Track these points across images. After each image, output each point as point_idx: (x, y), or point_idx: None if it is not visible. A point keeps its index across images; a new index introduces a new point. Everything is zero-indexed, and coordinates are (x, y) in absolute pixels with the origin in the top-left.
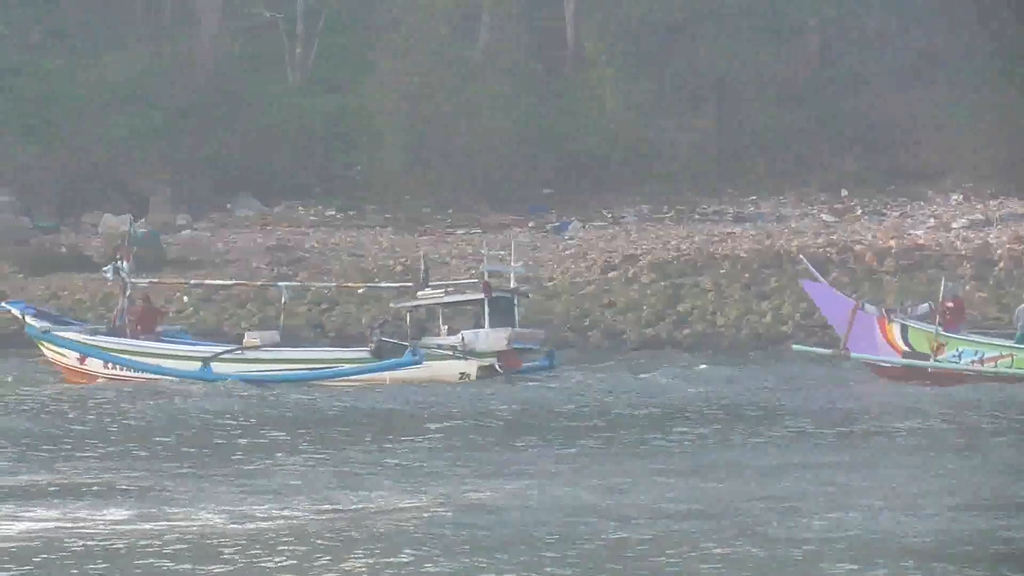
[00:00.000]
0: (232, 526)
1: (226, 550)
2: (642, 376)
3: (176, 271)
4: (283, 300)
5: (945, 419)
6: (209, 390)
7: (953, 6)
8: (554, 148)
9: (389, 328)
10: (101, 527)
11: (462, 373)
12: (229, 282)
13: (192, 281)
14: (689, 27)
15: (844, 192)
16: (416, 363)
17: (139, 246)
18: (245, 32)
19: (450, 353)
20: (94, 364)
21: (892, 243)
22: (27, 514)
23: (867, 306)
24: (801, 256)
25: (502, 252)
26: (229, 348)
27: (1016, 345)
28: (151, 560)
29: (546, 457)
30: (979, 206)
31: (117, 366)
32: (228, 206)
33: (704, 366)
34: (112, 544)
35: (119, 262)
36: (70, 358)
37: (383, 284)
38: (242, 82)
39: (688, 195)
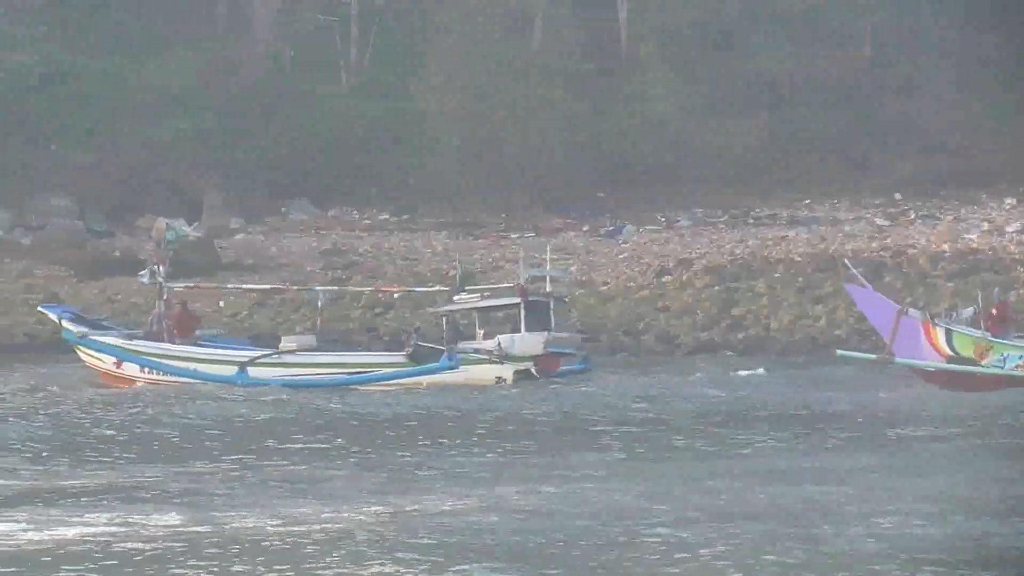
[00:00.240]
0: (281, 529)
1: (277, 554)
2: (687, 379)
3: (230, 275)
4: (319, 304)
5: (988, 424)
6: (246, 394)
7: (1008, 10)
8: (608, 152)
9: (452, 328)
10: (153, 531)
11: (498, 377)
12: (265, 286)
13: (229, 285)
14: (742, 31)
15: (898, 196)
16: (452, 368)
17: (174, 250)
18: (299, 36)
19: (486, 357)
20: (131, 368)
21: (945, 247)
22: (78, 518)
23: (911, 311)
24: (846, 261)
25: (555, 256)
26: (266, 352)
27: None
28: (204, 563)
29: (588, 461)
30: None
31: (153, 371)
32: (282, 210)
33: (744, 371)
34: (166, 548)
35: (155, 266)
36: (107, 362)
37: (419, 288)
38: (296, 86)
39: (742, 199)
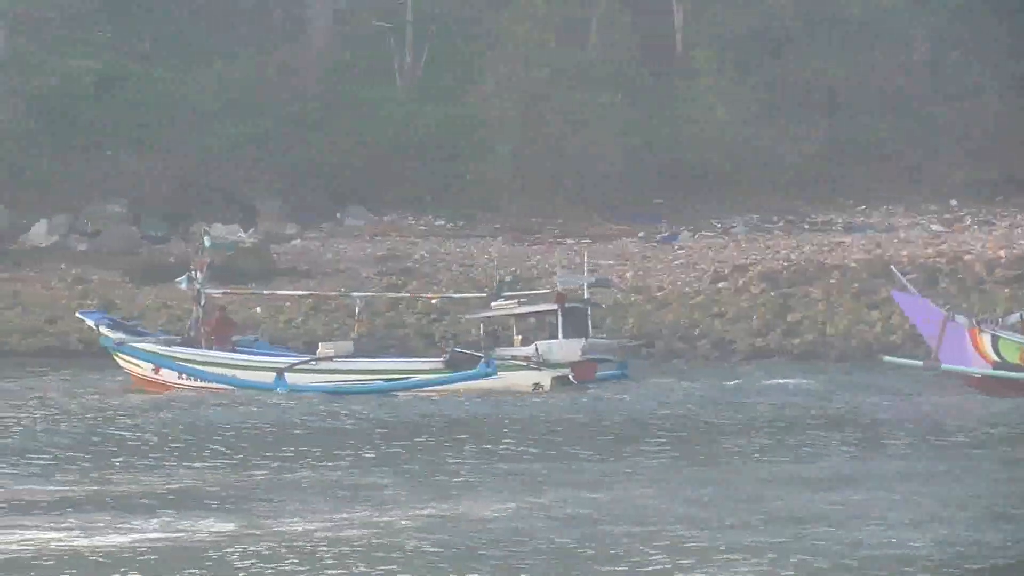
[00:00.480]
0: (330, 535)
1: (327, 559)
2: (730, 385)
3: (285, 281)
4: (357, 310)
5: None
6: (284, 399)
7: None
8: (663, 158)
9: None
10: (204, 536)
11: (536, 383)
12: (303, 292)
13: (266, 292)
14: (798, 36)
15: (954, 202)
16: (489, 374)
17: (213, 255)
18: (355, 41)
19: (524, 364)
20: (168, 375)
21: (1002, 253)
22: (129, 524)
23: (957, 317)
24: (892, 267)
25: (612, 261)
26: (303, 359)
27: None
28: (258, 566)
29: (631, 467)
30: None
31: (191, 377)
32: (338, 215)
33: (786, 379)
34: (218, 554)
35: (193, 272)
36: (145, 369)
37: (456, 295)
38: (352, 91)
39: (797, 205)
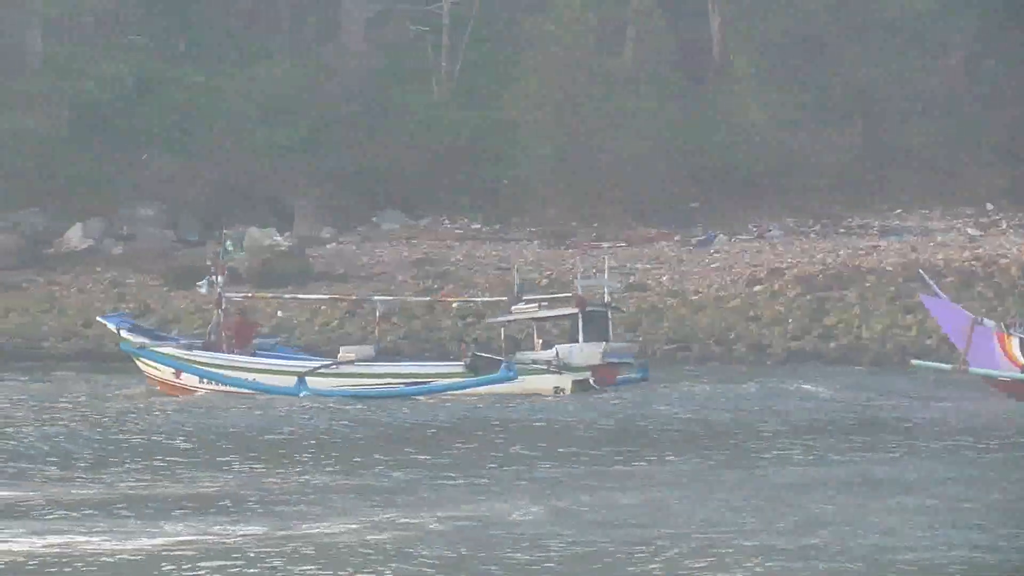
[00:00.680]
0: (357, 537)
1: (355, 561)
2: (755, 388)
3: (322, 285)
4: (377, 314)
5: None
6: (306, 403)
7: None
8: (699, 161)
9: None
10: (236, 540)
11: (557, 387)
12: (324, 296)
13: (286, 295)
14: (835, 41)
15: (990, 206)
16: (510, 379)
17: (233, 259)
18: (391, 44)
19: (545, 367)
20: (190, 379)
21: None
22: (158, 528)
23: (985, 320)
24: (920, 271)
25: (648, 265)
26: (324, 363)
27: None
28: (286, 568)
29: (655, 470)
30: None
31: (212, 382)
32: (374, 219)
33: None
34: (249, 556)
35: (213, 276)
36: (166, 373)
37: (477, 299)
38: (388, 95)
39: (833, 208)
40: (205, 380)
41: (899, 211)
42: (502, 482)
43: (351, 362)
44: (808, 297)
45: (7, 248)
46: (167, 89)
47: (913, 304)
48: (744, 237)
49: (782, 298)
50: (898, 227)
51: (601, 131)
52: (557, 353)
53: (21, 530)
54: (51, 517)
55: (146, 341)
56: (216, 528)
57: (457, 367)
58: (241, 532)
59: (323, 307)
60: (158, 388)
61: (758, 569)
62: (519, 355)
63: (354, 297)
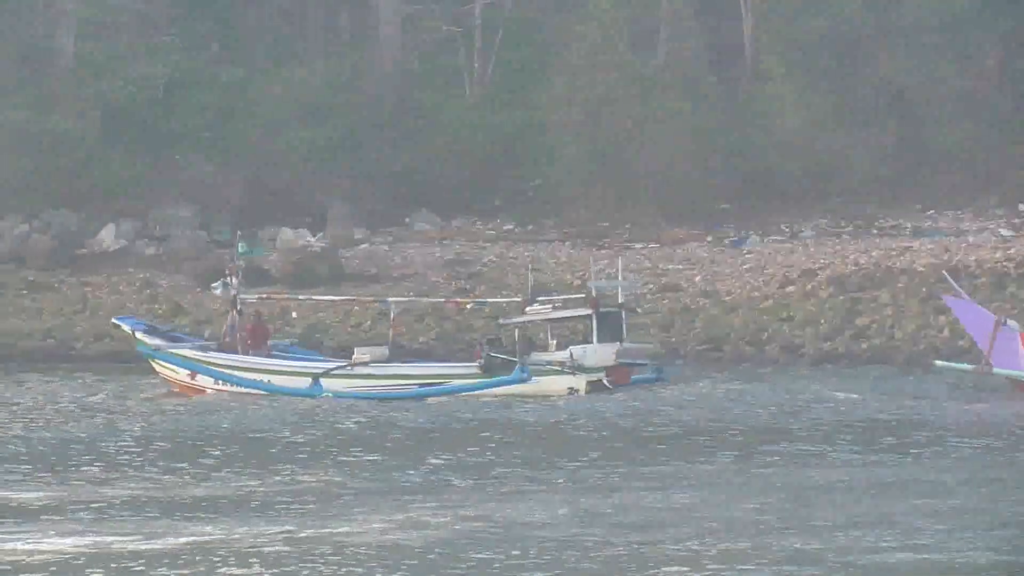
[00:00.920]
0: (379, 538)
1: (377, 562)
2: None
3: (353, 285)
4: (391, 315)
5: None
6: (321, 405)
7: None
8: (732, 162)
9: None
10: (265, 540)
11: (571, 388)
12: (339, 298)
13: (301, 296)
14: (868, 42)
15: (1022, 207)
16: (524, 379)
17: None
18: (424, 46)
19: (559, 368)
20: (205, 381)
21: None
22: (185, 527)
23: (1009, 321)
24: (944, 273)
25: (680, 266)
26: (339, 364)
27: None
28: (308, 569)
29: (678, 471)
30: None
31: (228, 383)
32: (406, 220)
33: (847, 383)
34: (270, 556)
35: (228, 278)
36: (181, 375)
37: (489, 300)
38: (421, 96)
39: (866, 209)
40: (220, 381)
41: (932, 212)
42: (524, 483)
43: (365, 363)
44: (841, 298)
45: (40, 249)
46: (200, 90)
47: (946, 305)
48: (777, 238)
49: (814, 299)
50: (930, 228)
51: (633, 132)
52: (571, 354)
53: (51, 531)
54: (70, 518)
55: (161, 343)
56: (243, 528)
57: (472, 368)
58: (264, 532)
59: (355, 308)
60: (176, 389)
61: (782, 570)
62: (533, 356)
63: (369, 299)
